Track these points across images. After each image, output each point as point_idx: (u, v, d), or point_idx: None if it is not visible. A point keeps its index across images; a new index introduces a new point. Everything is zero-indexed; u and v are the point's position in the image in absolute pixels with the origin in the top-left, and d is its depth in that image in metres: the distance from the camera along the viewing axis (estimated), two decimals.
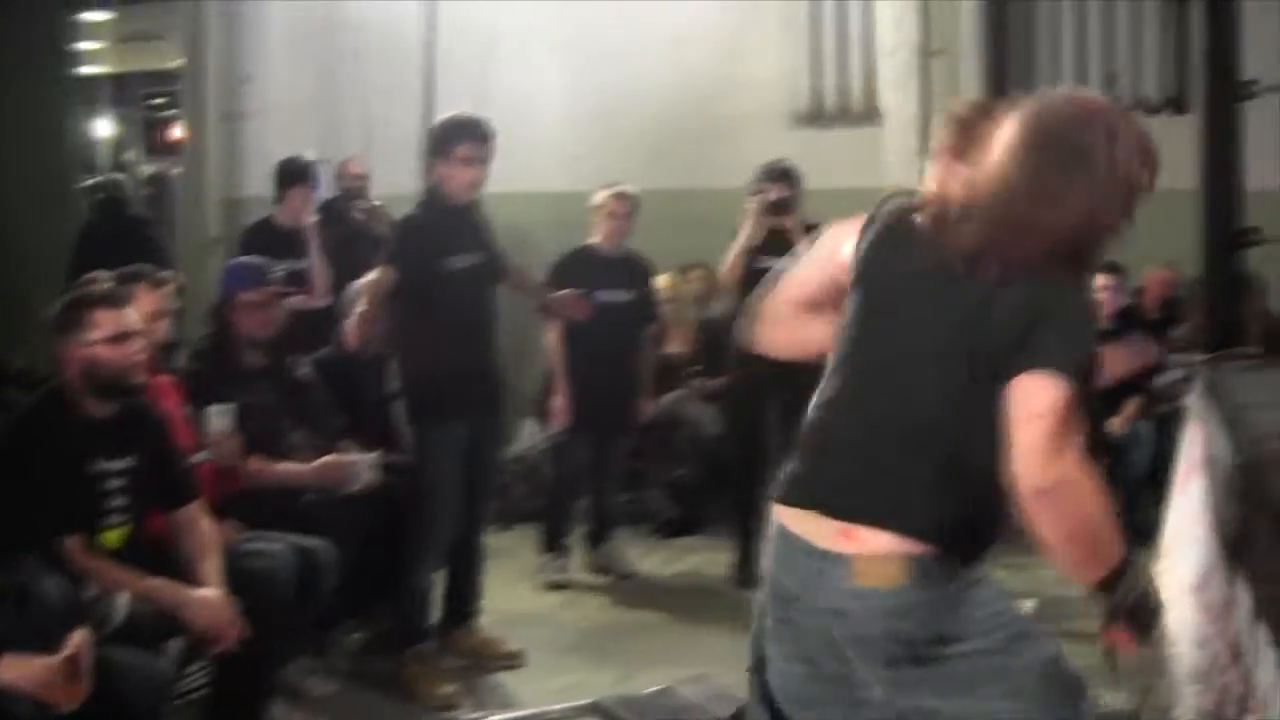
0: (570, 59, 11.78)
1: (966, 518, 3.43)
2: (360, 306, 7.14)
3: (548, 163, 10.98)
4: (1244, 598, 3.33)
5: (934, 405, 3.40)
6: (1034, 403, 3.23)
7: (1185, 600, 5.10)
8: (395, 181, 10.51)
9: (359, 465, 6.80)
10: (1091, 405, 3.55)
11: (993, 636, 3.42)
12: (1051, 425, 3.21)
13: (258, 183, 11.77)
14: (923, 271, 3.44)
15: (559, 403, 8.66)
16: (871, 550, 3.36)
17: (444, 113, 9.76)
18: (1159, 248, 10.62)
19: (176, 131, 18.91)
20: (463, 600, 7.37)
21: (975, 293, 3.34)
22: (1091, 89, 10.39)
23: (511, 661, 7.27)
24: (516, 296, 7.81)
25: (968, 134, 3.55)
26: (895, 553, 3.35)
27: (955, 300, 3.38)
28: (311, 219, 9.51)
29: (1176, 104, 11.03)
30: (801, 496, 3.49)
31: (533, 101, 11.35)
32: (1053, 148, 3.34)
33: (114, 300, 5.56)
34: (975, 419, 3.32)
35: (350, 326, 7.26)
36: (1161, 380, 9.98)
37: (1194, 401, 5.82)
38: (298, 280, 8.72)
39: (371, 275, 7.10)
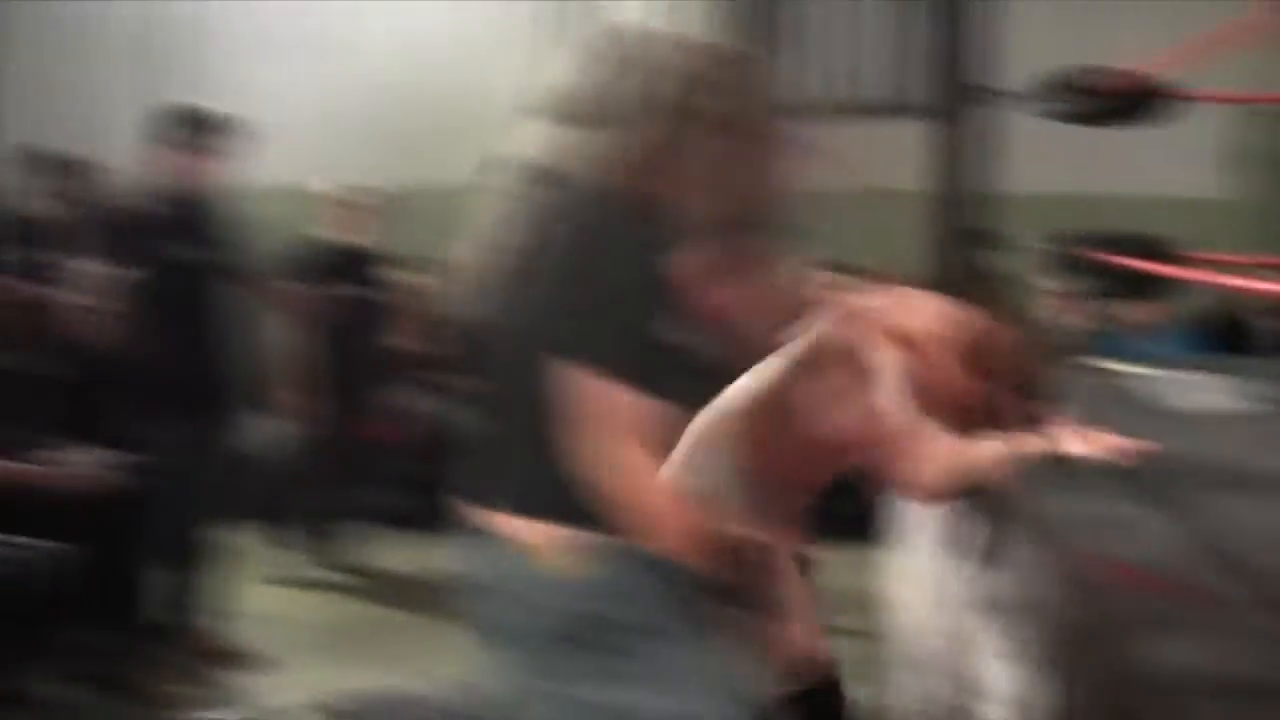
0: (315, 55, 11.69)
1: None
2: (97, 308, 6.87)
3: (295, 158, 10.89)
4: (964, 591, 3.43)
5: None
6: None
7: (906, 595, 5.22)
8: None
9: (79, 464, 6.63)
10: None
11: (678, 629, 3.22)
12: None
13: None
14: None
15: (286, 396, 8.55)
16: (557, 539, 3.17)
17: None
18: (880, 247, 10.94)
19: None
20: (191, 599, 7.15)
21: None
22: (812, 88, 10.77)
23: (243, 661, 7.11)
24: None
25: None
26: (578, 541, 3.16)
27: None
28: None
29: (898, 106, 11.24)
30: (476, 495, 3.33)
31: (269, 98, 11.24)
32: None
33: None
34: None
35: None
36: None
37: None
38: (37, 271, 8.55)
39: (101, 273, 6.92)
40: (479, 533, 3.27)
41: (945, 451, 3.74)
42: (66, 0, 11.59)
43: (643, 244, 3.04)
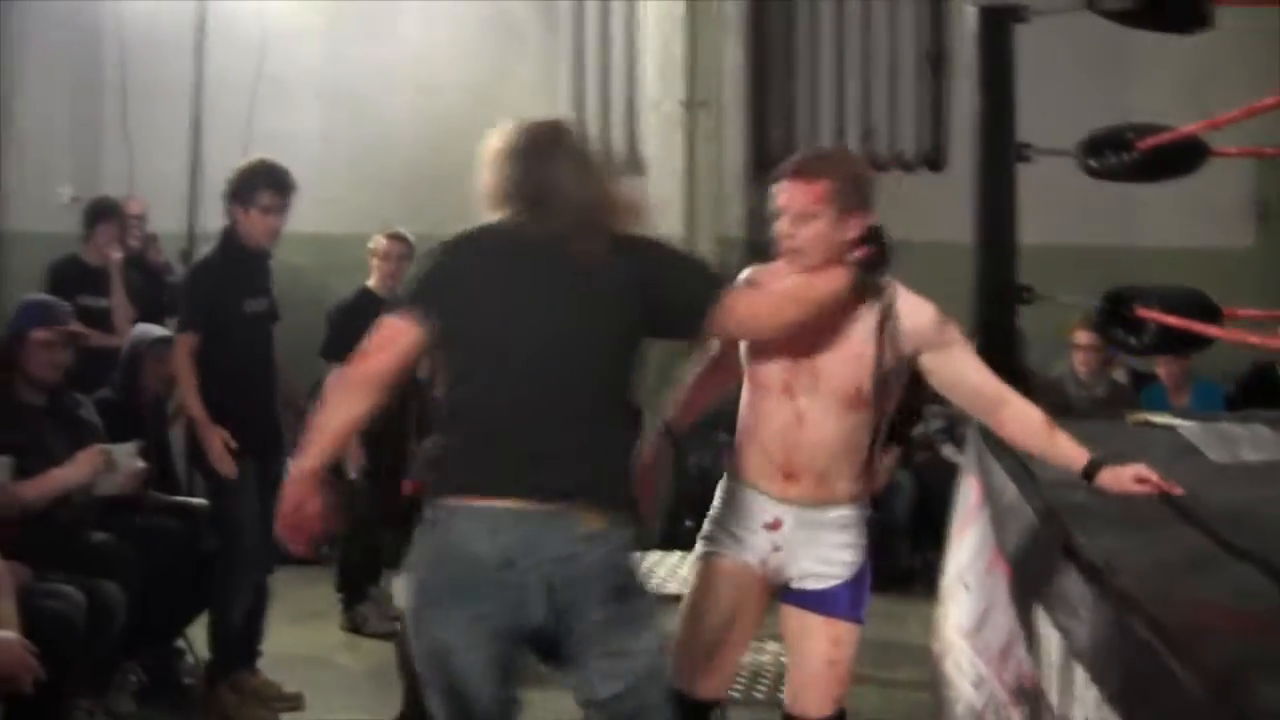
0: (327, 106, 11.81)
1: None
2: (194, 407, 6.97)
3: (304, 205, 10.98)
4: (1053, 639, 3.49)
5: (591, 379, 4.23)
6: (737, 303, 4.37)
7: (962, 644, 5.27)
8: (152, 222, 10.50)
9: (118, 452, 6.79)
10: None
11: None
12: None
13: (15, 217, 11.61)
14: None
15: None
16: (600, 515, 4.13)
17: (211, 157, 9.79)
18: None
19: None
20: (246, 641, 7.33)
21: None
22: (848, 142, 10.87)
23: (292, 704, 7.27)
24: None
25: None
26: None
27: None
28: (118, 256, 9.57)
29: (932, 161, 11.37)
30: (494, 486, 4.10)
31: (291, 146, 11.32)
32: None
33: None
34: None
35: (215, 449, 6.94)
36: (919, 430, 10.25)
37: (968, 454, 6.00)
38: (100, 318, 8.65)
39: (177, 350, 7.08)
40: (493, 513, 4.06)
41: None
42: (109, 49, 11.64)
43: None
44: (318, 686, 7.46)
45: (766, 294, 4.47)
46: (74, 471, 6.63)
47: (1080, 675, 3.20)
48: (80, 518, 6.69)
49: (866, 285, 4.47)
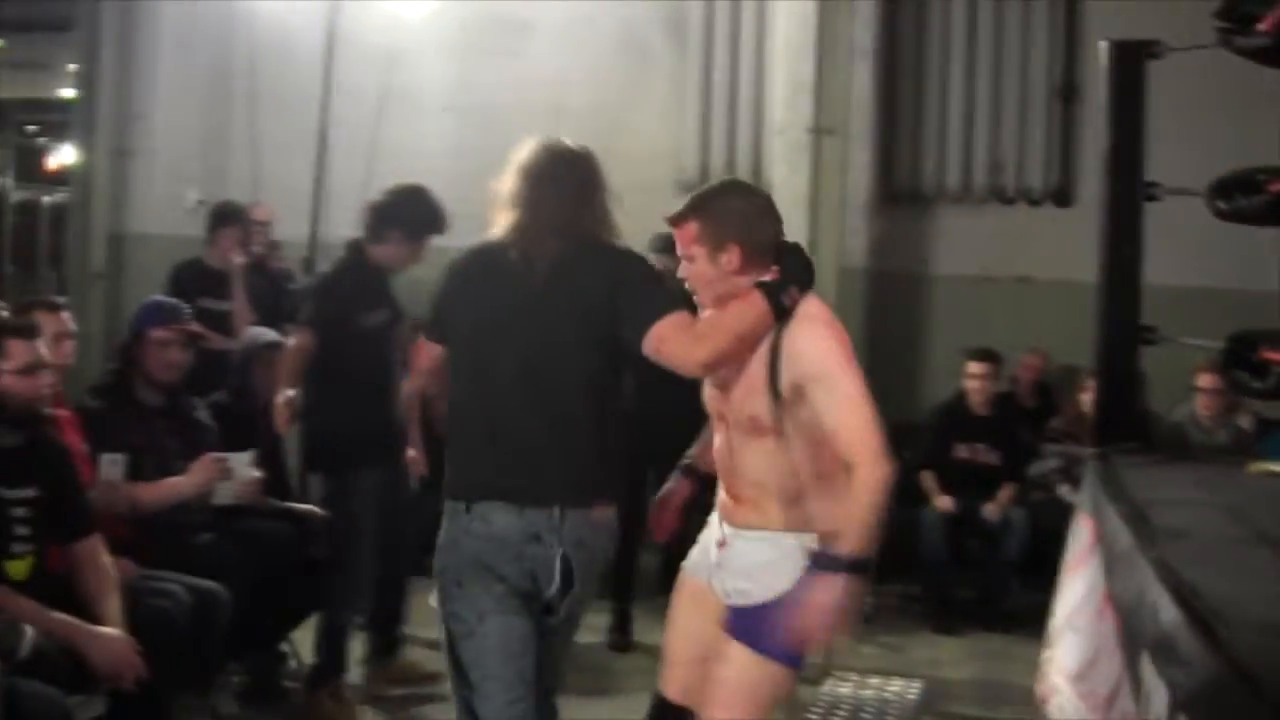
0: (457, 121, 11.89)
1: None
2: (286, 391, 7.07)
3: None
4: (1159, 691, 3.42)
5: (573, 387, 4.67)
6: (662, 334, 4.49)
7: (1067, 688, 5.20)
8: (276, 229, 10.57)
9: (235, 461, 6.86)
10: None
11: None
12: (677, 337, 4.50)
13: (143, 219, 11.77)
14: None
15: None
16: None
17: (335, 166, 9.84)
18: (1036, 336, 10.92)
19: (53, 161, 18.81)
20: (388, 630, 7.77)
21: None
22: (976, 177, 10.78)
23: (435, 683, 7.36)
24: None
25: None
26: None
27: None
28: (240, 260, 9.63)
29: (1060, 197, 11.27)
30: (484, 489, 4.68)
31: (418, 159, 11.40)
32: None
33: (27, 331, 5.56)
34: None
35: (280, 409, 7.05)
36: (1036, 468, 10.15)
37: (1083, 494, 5.92)
38: (220, 321, 8.69)
39: (291, 342, 7.27)
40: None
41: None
42: (239, 58, 11.77)
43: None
44: None
45: (685, 330, 4.54)
46: (191, 481, 6.68)
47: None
48: (190, 520, 6.72)
49: (779, 308, 4.47)
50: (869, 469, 4.32)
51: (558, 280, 4.65)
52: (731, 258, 4.50)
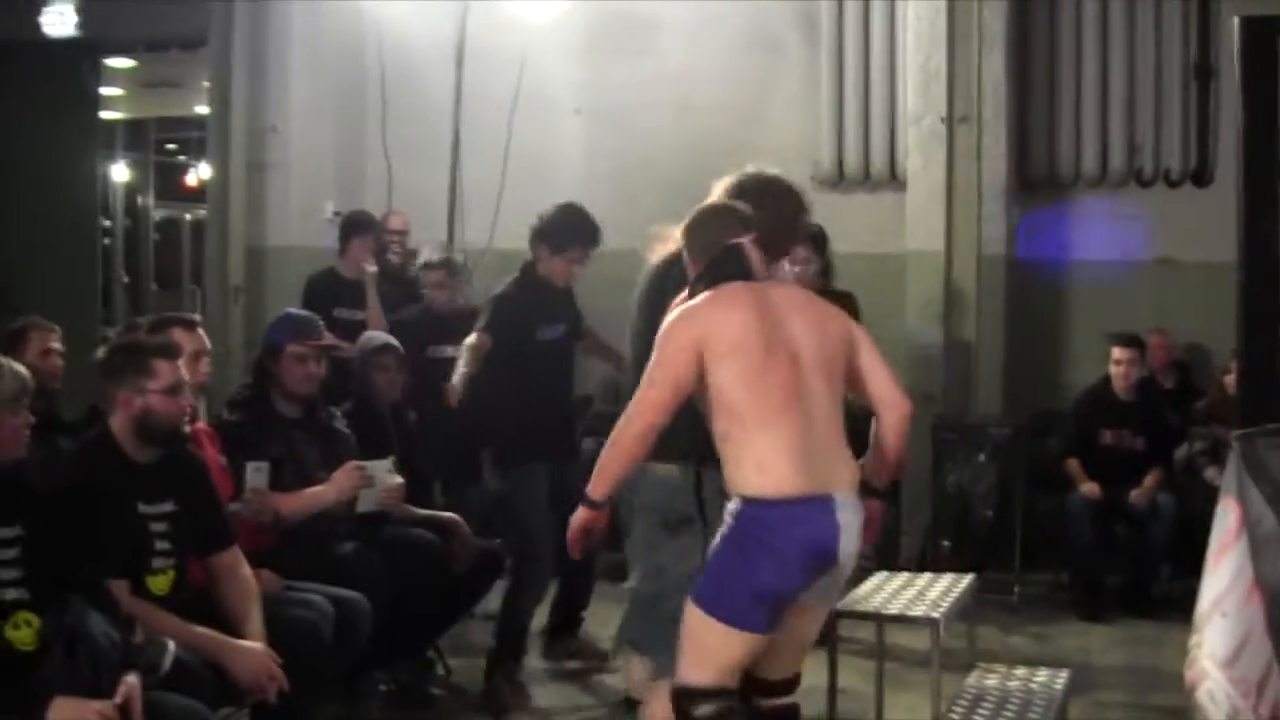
0: (588, 122, 11.93)
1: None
2: (463, 367, 7.69)
3: None
4: None
5: None
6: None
7: (1217, 674, 5.12)
8: (417, 237, 10.63)
9: (376, 468, 6.94)
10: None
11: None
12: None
13: (280, 232, 11.88)
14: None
15: None
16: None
17: (468, 173, 9.89)
18: (1178, 318, 10.78)
19: (191, 178, 19.08)
20: (572, 610, 8.38)
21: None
22: (1113, 160, 10.65)
23: (604, 661, 8.11)
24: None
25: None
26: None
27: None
28: (372, 269, 9.71)
29: (1198, 177, 11.11)
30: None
31: (550, 162, 11.44)
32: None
33: (171, 351, 5.62)
34: None
35: (453, 386, 7.69)
36: (1182, 452, 10.02)
37: (1228, 477, 5.81)
38: (356, 330, 8.79)
39: (470, 339, 7.75)
40: None
41: None
42: (371, 66, 11.87)
43: None
44: None
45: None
46: (333, 489, 6.74)
47: None
48: (332, 530, 6.76)
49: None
50: (623, 423, 4.96)
51: None
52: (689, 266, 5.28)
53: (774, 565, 4.73)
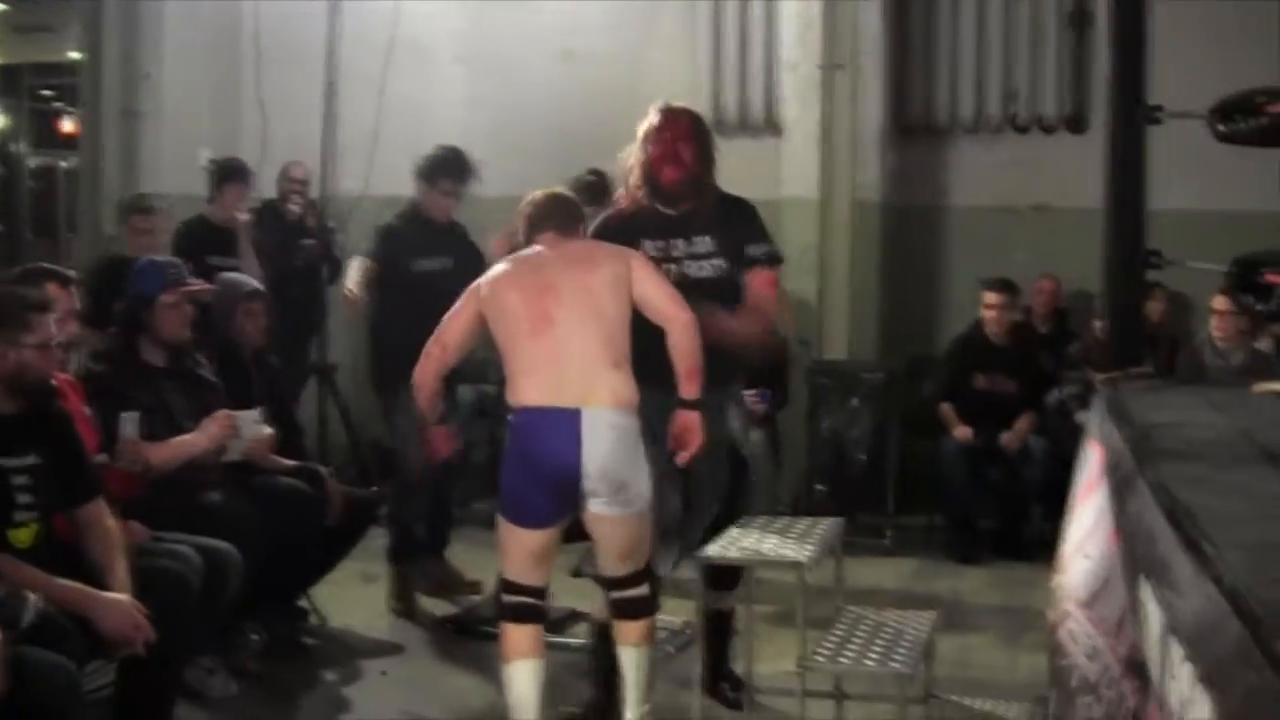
0: (468, 70, 11.88)
1: None
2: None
3: None
4: (1154, 613, 3.39)
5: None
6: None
7: (1078, 614, 5.17)
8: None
9: (244, 418, 6.95)
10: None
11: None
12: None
13: (154, 180, 11.72)
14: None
15: None
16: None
17: (344, 120, 9.87)
18: (1054, 264, 10.87)
19: (67, 125, 18.78)
20: (435, 536, 8.56)
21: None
22: (989, 107, 10.72)
23: (473, 589, 8.40)
24: None
25: None
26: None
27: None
28: (245, 217, 9.69)
29: (1074, 123, 11.20)
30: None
31: (429, 111, 11.37)
32: None
33: (47, 306, 5.56)
34: None
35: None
36: (1054, 396, 10.13)
37: (1093, 420, 5.88)
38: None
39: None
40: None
41: None
42: (246, 14, 11.74)
43: None
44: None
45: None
46: (203, 438, 6.72)
47: (1177, 652, 3.10)
48: (202, 479, 6.72)
49: None
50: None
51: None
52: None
53: (523, 467, 5.61)
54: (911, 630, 6.08)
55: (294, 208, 10.24)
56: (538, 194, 6.13)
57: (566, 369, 5.58)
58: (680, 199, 6.31)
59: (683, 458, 5.85)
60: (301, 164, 10.59)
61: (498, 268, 5.98)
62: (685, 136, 6.35)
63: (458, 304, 5.95)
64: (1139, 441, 4.69)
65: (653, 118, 6.38)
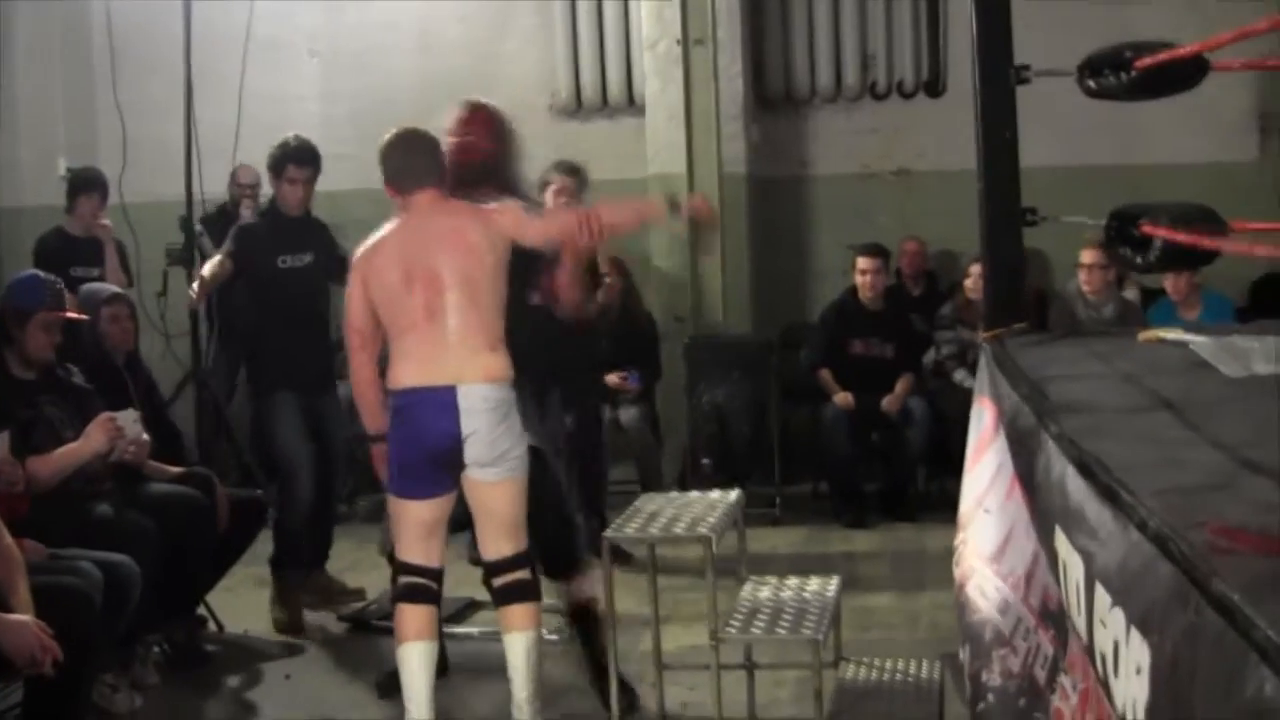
0: (324, 65, 11.89)
1: None
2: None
3: None
4: (1074, 562, 3.45)
5: None
6: None
7: (984, 569, 5.23)
8: (152, 190, 10.39)
9: (123, 419, 6.86)
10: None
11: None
12: None
13: (11, 192, 11.57)
14: None
15: None
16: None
17: (202, 119, 9.81)
18: (918, 227, 10.99)
19: None
20: (317, 549, 8.46)
21: None
22: (847, 75, 10.79)
23: (355, 596, 8.39)
24: None
25: None
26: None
27: None
28: (104, 224, 9.64)
29: (931, 88, 11.32)
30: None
31: (287, 106, 11.30)
32: None
33: None
34: None
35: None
36: (930, 357, 10.24)
37: (981, 378, 5.95)
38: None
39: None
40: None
41: None
42: (97, 17, 11.57)
43: None
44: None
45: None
46: (90, 444, 6.65)
47: (1103, 598, 3.15)
48: (92, 490, 6.65)
49: None
50: None
51: None
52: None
53: (405, 442, 5.81)
54: (815, 597, 6.13)
55: (245, 212, 10.15)
56: (393, 138, 6.06)
57: (445, 353, 5.80)
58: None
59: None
60: (249, 167, 10.52)
61: (381, 233, 5.99)
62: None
63: (349, 284, 6.01)
64: (1035, 395, 4.75)
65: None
